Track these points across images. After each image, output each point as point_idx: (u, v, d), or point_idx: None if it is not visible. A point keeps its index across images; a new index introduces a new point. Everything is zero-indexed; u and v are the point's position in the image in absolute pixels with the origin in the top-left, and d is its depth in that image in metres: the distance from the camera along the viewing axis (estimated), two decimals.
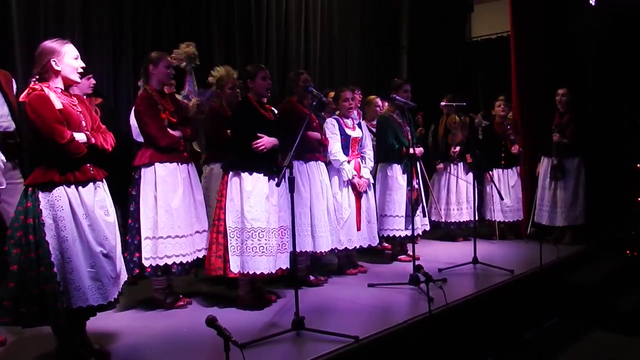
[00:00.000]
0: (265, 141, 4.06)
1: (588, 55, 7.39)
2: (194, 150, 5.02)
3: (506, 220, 6.72)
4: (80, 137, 3.01)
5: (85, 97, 4.37)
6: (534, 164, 6.64)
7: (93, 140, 3.07)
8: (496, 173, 6.70)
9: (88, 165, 3.07)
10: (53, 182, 2.93)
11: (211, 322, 2.46)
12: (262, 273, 3.99)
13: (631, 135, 6.98)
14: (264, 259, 3.98)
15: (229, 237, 4.00)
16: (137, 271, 3.94)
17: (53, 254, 2.89)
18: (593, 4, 7.33)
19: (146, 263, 3.89)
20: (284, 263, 4.15)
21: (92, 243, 3.00)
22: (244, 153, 4.05)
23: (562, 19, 7.28)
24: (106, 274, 3.05)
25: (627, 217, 6.61)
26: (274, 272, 4.04)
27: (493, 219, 6.73)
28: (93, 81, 4.60)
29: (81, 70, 3.14)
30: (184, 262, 4.02)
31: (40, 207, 2.91)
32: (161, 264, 3.93)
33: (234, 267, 3.98)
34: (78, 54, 3.14)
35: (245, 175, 4.02)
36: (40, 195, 2.93)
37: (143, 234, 3.92)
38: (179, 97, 4.93)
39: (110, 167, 3.29)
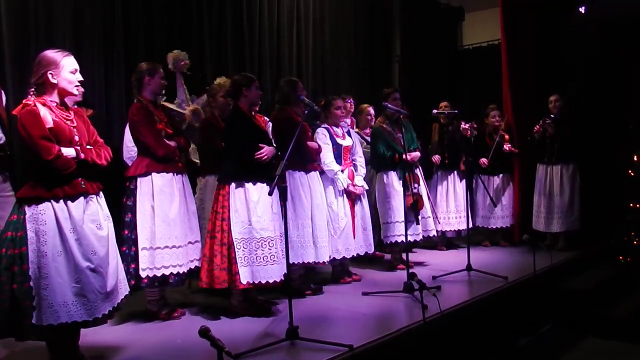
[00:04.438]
0: (268, 151, 4.09)
1: (579, 62, 7.44)
2: (191, 161, 5.00)
3: (491, 227, 6.73)
4: (69, 152, 2.99)
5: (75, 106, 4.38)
6: (527, 171, 6.65)
7: (83, 155, 3.04)
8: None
9: (79, 179, 3.04)
10: (40, 197, 2.93)
11: (204, 332, 2.45)
12: (274, 281, 4.01)
13: (623, 140, 7.01)
14: (276, 267, 4.01)
15: (236, 249, 3.97)
16: (133, 282, 3.88)
17: (31, 268, 2.87)
18: (583, 12, 7.38)
19: (143, 274, 3.86)
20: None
21: (78, 258, 2.95)
22: (245, 163, 4.04)
23: (553, 27, 7.33)
24: (92, 290, 2.99)
25: (620, 223, 6.63)
26: (279, 279, 4.04)
27: (480, 226, 6.75)
28: (82, 89, 4.57)
29: (78, 84, 3.13)
30: (181, 272, 4.00)
31: (25, 221, 2.90)
32: (158, 275, 3.90)
33: (244, 277, 3.95)
34: (77, 66, 3.12)
35: (249, 185, 4.03)
36: (26, 208, 2.93)
37: (140, 245, 3.89)
38: (172, 105, 4.93)
39: (101, 180, 3.27)
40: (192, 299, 4.67)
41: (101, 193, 3.22)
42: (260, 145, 4.07)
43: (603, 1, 7.23)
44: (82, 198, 3.04)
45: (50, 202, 2.93)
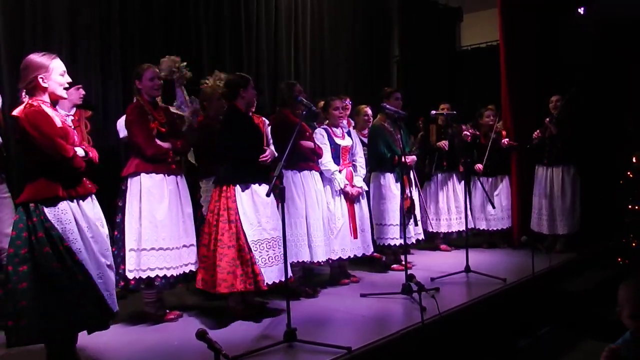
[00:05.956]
0: (270, 153, 4.17)
1: (579, 64, 7.42)
2: (190, 163, 4.96)
3: (489, 229, 6.72)
4: (79, 151, 3.04)
5: (75, 108, 4.38)
6: (526, 173, 6.64)
7: (91, 154, 3.12)
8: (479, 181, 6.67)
9: (85, 179, 3.11)
10: (58, 196, 2.94)
11: (201, 335, 2.42)
12: (280, 281, 3.96)
13: (622, 141, 7.00)
14: (275, 268, 3.99)
15: (253, 251, 3.94)
16: (122, 284, 3.88)
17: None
18: (582, 13, 7.37)
19: (129, 275, 3.84)
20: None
21: (97, 255, 3.05)
22: (248, 165, 4.03)
23: (552, 28, 7.32)
24: (112, 284, 3.15)
25: (619, 225, 6.60)
26: (280, 280, 4.00)
27: (478, 228, 6.73)
28: (82, 92, 4.57)
29: (67, 85, 3.13)
30: (168, 275, 3.95)
31: (49, 221, 2.91)
32: (144, 277, 3.88)
33: (269, 278, 3.94)
34: (65, 68, 3.11)
35: (255, 186, 4.02)
36: (46, 210, 2.92)
37: (127, 246, 3.88)
38: (172, 108, 4.89)
39: (98, 180, 3.28)
40: (190, 301, 4.65)
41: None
42: (265, 147, 4.11)
43: (603, 1, 7.21)
44: (89, 197, 3.12)
45: (67, 201, 2.97)
